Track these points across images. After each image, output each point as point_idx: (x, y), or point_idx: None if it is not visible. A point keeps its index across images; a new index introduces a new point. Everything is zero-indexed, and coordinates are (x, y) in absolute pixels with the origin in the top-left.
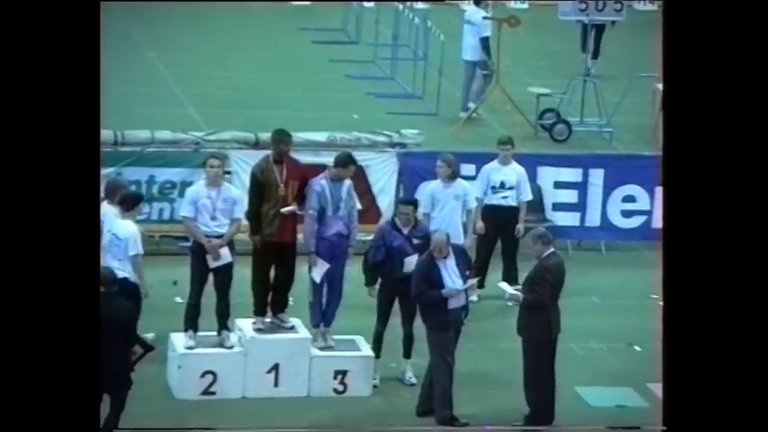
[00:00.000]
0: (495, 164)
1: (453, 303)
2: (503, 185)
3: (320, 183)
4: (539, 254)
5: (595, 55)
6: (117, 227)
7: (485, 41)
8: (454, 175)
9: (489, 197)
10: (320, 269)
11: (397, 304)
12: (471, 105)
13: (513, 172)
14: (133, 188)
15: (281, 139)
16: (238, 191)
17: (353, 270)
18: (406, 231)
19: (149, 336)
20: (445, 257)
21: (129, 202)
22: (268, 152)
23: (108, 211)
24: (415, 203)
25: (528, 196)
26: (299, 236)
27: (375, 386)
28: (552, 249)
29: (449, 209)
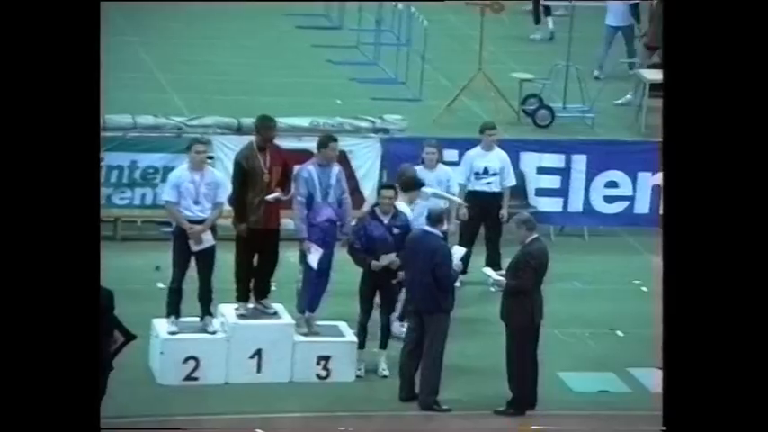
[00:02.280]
0: (478, 150)
1: None
2: (486, 171)
3: (307, 169)
4: (522, 239)
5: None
6: None
7: (634, 8)
8: (439, 161)
9: (473, 183)
10: (315, 255)
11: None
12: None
13: (497, 158)
14: (115, 173)
15: (266, 125)
16: (221, 175)
17: (338, 256)
18: (386, 221)
19: None
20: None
21: None
22: (251, 138)
23: None
24: (395, 188)
25: (511, 182)
26: (283, 221)
27: (359, 376)
28: (536, 235)
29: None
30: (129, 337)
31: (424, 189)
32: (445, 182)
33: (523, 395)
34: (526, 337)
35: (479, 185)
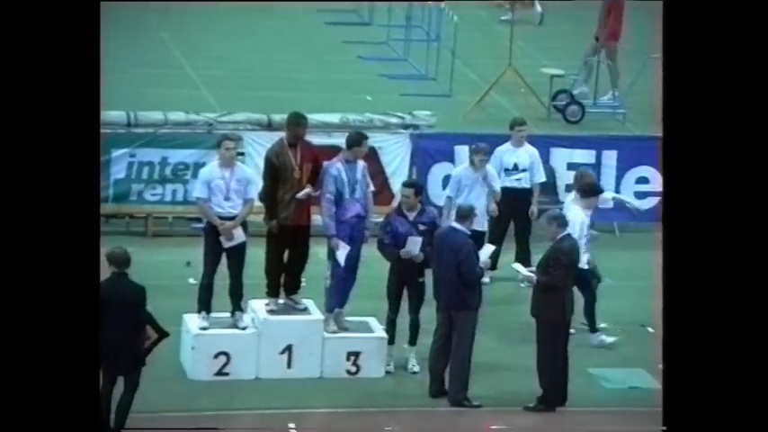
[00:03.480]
0: (507, 146)
1: None
2: (516, 168)
3: (336, 166)
4: (553, 236)
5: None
6: None
7: None
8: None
9: (502, 179)
10: (343, 252)
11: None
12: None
13: (527, 154)
14: (146, 170)
15: (298, 122)
16: (251, 171)
17: (366, 253)
18: (411, 217)
19: None
20: None
21: None
22: (282, 135)
23: None
24: (416, 186)
25: (542, 178)
26: (314, 217)
27: (389, 372)
28: (567, 231)
29: (475, 194)
30: (163, 334)
31: (603, 195)
32: (489, 181)
33: (553, 391)
34: (557, 333)
35: (509, 182)
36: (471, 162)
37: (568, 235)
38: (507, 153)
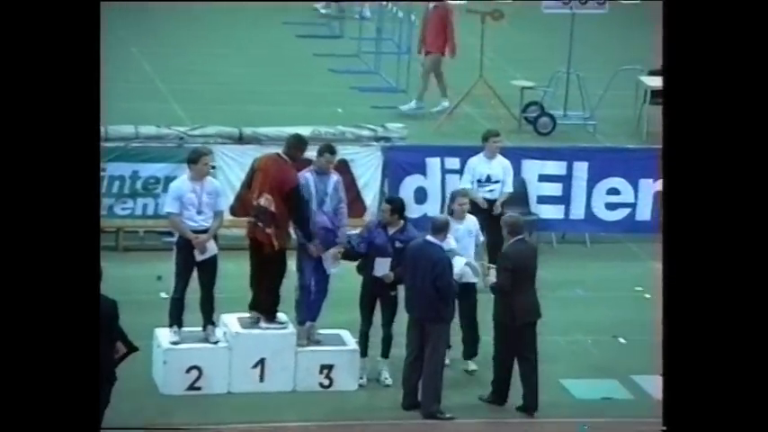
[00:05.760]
0: (481, 157)
1: None
2: (489, 179)
3: (304, 176)
4: (506, 241)
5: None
6: None
7: None
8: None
9: (475, 191)
10: (332, 261)
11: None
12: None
13: (500, 165)
14: (116, 184)
15: (298, 146)
16: (219, 183)
17: (340, 264)
18: (390, 232)
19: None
20: None
21: None
22: (257, 150)
23: None
24: (393, 203)
25: (509, 189)
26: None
27: (361, 385)
28: (520, 237)
29: (462, 246)
30: (132, 348)
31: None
32: (475, 231)
33: (499, 388)
34: (506, 336)
35: (482, 193)
36: (451, 212)
37: (521, 239)
38: (481, 164)
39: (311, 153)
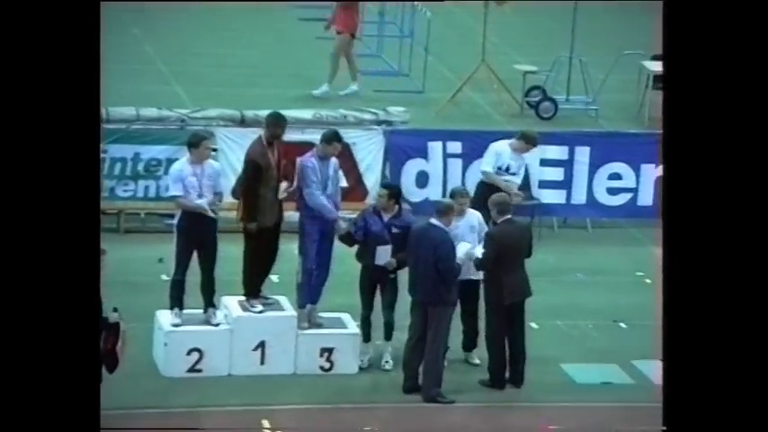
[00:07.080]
0: (505, 145)
1: None
2: (508, 169)
3: (311, 160)
4: (494, 221)
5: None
6: None
7: None
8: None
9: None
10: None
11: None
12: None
13: (523, 161)
14: (118, 166)
15: (277, 122)
16: (219, 165)
17: (340, 248)
18: (386, 218)
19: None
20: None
21: None
22: (255, 131)
23: None
24: (390, 189)
25: (518, 183)
26: (287, 214)
27: (362, 368)
28: (507, 216)
29: (466, 242)
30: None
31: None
32: (477, 225)
33: (495, 370)
34: (497, 315)
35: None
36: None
37: (508, 220)
38: (506, 153)
39: (314, 137)
